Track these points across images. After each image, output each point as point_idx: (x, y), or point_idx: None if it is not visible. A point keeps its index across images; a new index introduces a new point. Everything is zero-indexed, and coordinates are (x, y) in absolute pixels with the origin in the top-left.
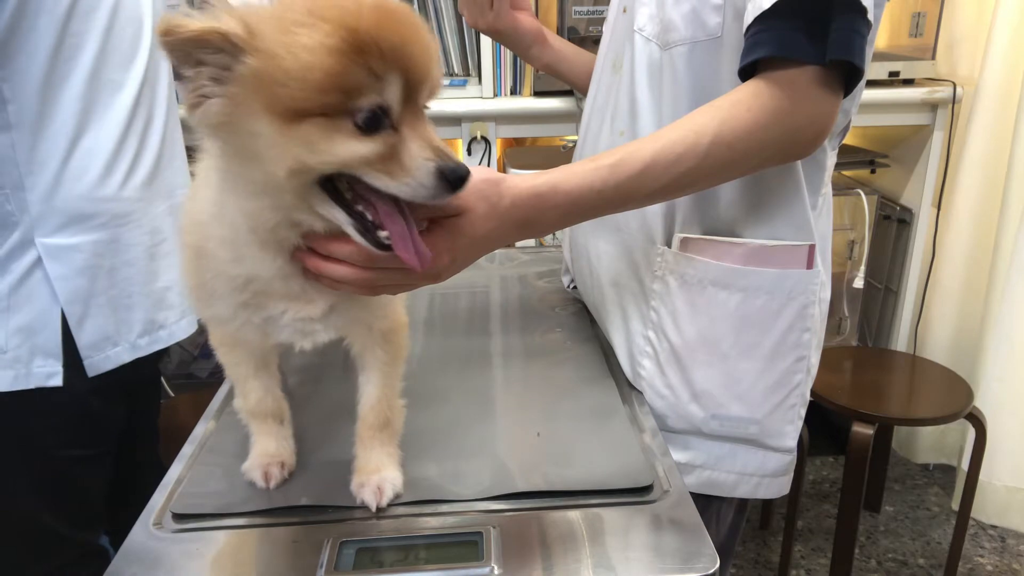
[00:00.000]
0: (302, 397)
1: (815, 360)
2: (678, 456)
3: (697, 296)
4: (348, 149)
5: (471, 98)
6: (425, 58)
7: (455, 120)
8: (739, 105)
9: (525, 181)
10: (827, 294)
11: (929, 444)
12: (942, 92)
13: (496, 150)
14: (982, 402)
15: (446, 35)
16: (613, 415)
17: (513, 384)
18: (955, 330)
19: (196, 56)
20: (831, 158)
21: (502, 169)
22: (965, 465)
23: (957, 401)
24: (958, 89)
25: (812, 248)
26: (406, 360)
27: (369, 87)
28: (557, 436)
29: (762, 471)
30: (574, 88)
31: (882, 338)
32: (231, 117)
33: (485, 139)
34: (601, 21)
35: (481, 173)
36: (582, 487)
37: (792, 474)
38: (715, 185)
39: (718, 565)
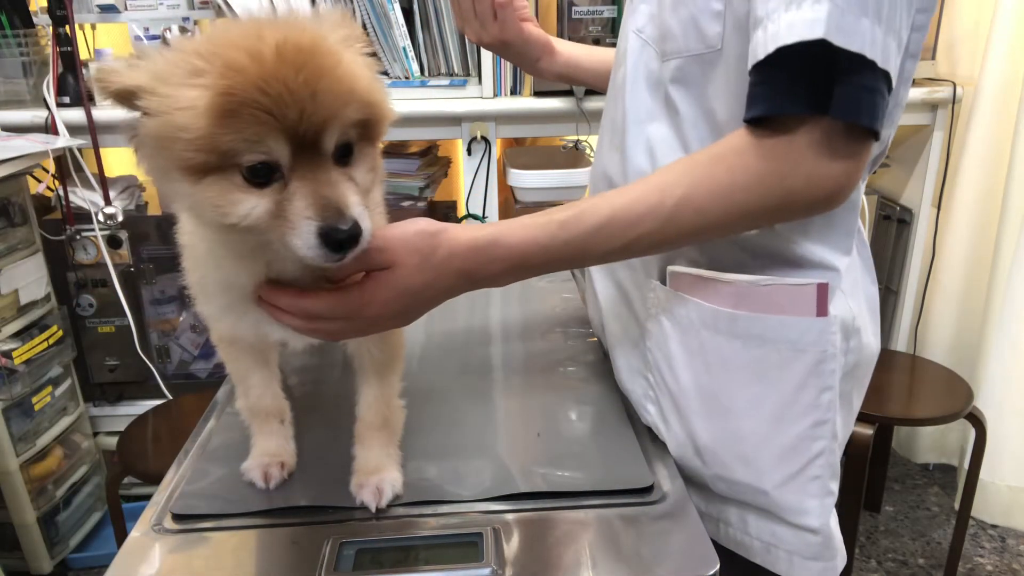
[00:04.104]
0: (302, 397)
1: (848, 421)
2: (700, 505)
3: (691, 340)
4: (244, 205)
5: (471, 98)
6: (314, 109)
7: (455, 120)
8: (718, 163)
9: (466, 232)
10: (866, 349)
11: (929, 444)
12: (942, 92)
13: (496, 150)
14: (983, 402)
15: (446, 35)
16: (614, 416)
17: (513, 384)
18: (955, 330)
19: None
20: (859, 191)
21: (502, 169)
22: (966, 465)
23: (957, 401)
24: (958, 89)
25: (823, 288)
26: (406, 360)
27: (247, 148)
28: (557, 437)
29: (788, 546)
30: (601, 91)
31: (882, 338)
32: (154, 166)
33: (485, 139)
34: (601, 21)
35: (417, 225)
36: (582, 488)
37: (839, 563)
38: (692, 245)
39: (718, 566)
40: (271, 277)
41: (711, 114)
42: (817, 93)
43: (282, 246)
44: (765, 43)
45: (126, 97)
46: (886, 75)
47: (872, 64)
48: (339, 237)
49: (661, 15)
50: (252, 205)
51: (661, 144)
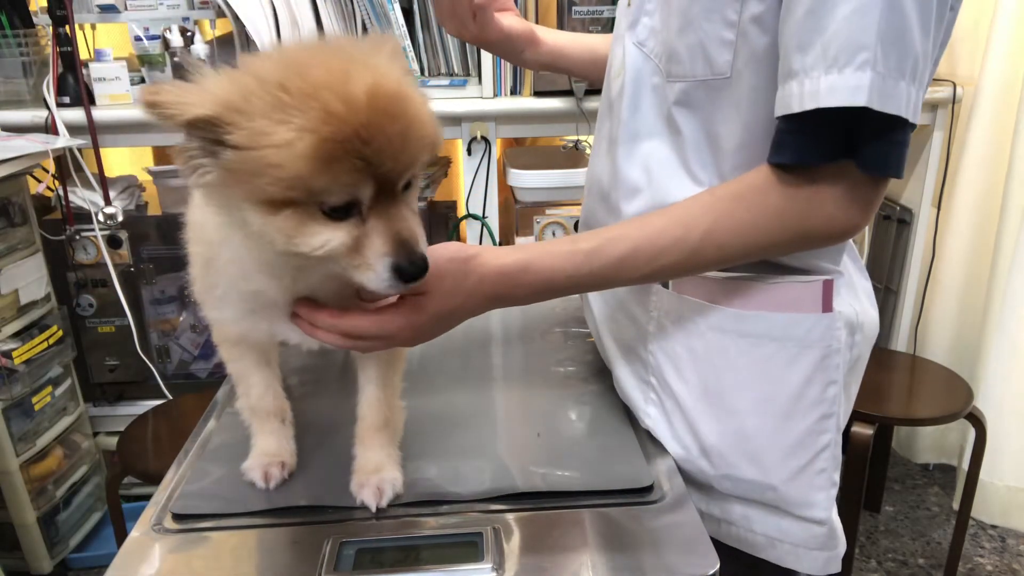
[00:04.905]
0: (302, 397)
1: (847, 411)
2: (701, 505)
3: (696, 341)
4: (320, 238)
5: (471, 98)
6: (404, 157)
7: (455, 120)
8: (740, 201)
9: (497, 259)
10: (869, 343)
11: (929, 444)
12: (942, 92)
13: (496, 150)
14: (983, 402)
15: (446, 35)
16: (613, 415)
17: (513, 384)
18: (955, 330)
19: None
20: None
21: (502, 169)
22: (966, 465)
23: (957, 401)
24: (958, 89)
25: (828, 285)
26: (407, 360)
27: (338, 189)
28: (557, 436)
29: (793, 539)
30: (585, 80)
31: (882, 338)
32: (221, 193)
33: (485, 139)
34: (601, 21)
35: (449, 252)
36: (582, 488)
37: (841, 550)
38: (710, 271)
39: (718, 566)
40: (299, 289)
41: (715, 138)
42: (845, 144)
43: (349, 276)
44: (801, 98)
45: (199, 127)
46: (913, 125)
47: (905, 121)
48: (412, 272)
49: (666, 34)
50: (328, 239)
51: (660, 163)
